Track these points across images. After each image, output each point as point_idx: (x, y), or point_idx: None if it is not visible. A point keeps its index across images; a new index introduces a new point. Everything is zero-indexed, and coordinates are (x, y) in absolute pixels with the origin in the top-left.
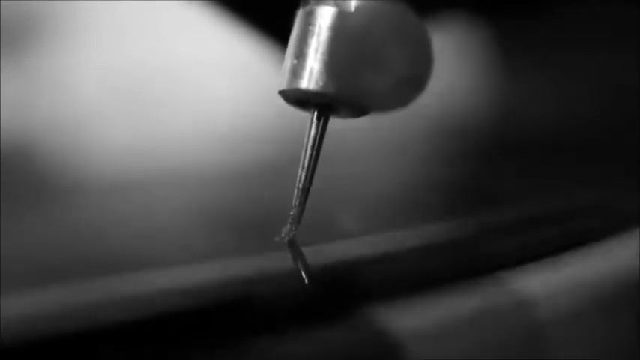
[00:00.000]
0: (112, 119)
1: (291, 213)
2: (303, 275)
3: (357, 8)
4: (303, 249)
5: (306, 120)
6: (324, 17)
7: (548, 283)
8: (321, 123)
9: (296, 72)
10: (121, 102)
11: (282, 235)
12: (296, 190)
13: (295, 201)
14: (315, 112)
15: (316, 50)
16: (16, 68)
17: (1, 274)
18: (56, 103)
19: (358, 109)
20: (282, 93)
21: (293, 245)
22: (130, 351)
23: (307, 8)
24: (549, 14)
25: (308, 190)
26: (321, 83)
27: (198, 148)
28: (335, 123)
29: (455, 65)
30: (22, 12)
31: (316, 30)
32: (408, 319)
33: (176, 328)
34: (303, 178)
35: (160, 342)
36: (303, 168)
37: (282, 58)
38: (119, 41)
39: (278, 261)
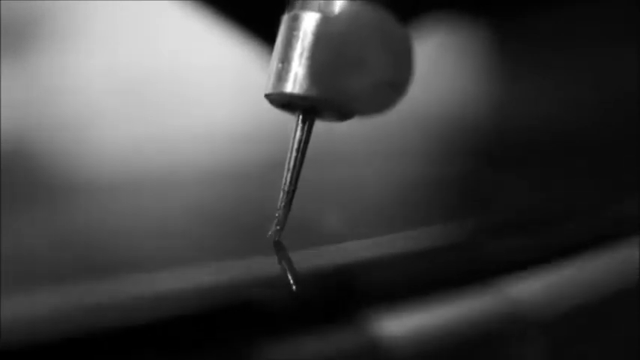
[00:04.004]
0: (112, 119)
1: (277, 215)
2: (289, 277)
3: (340, 14)
4: (298, 252)
5: None
6: (309, 22)
7: (547, 284)
8: (306, 126)
9: (281, 76)
10: (121, 102)
11: (270, 233)
12: (281, 193)
13: (280, 203)
14: (300, 116)
15: (301, 55)
16: (16, 68)
17: (1, 274)
18: (56, 104)
19: (342, 112)
20: (267, 96)
21: (279, 247)
22: (127, 353)
23: (292, 13)
24: (549, 14)
25: (293, 192)
26: (305, 87)
27: (197, 148)
28: (336, 125)
29: (455, 66)
30: (22, 12)
31: (301, 35)
32: (401, 323)
33: (175, 330)
34: (288, 180)
35: (159, 344)
36: (288, 170)
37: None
38: (119, 42)
39: (270, 264)
